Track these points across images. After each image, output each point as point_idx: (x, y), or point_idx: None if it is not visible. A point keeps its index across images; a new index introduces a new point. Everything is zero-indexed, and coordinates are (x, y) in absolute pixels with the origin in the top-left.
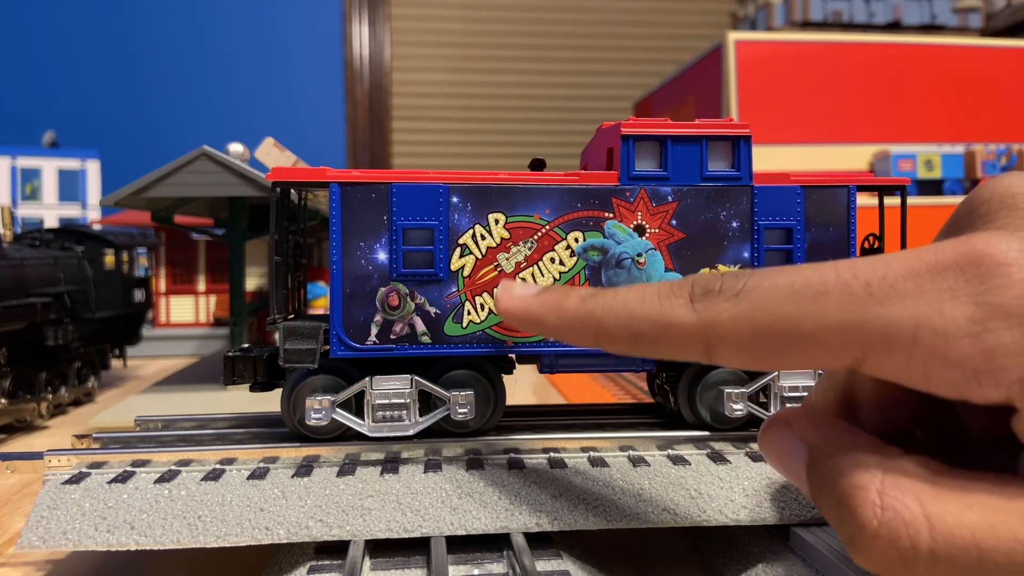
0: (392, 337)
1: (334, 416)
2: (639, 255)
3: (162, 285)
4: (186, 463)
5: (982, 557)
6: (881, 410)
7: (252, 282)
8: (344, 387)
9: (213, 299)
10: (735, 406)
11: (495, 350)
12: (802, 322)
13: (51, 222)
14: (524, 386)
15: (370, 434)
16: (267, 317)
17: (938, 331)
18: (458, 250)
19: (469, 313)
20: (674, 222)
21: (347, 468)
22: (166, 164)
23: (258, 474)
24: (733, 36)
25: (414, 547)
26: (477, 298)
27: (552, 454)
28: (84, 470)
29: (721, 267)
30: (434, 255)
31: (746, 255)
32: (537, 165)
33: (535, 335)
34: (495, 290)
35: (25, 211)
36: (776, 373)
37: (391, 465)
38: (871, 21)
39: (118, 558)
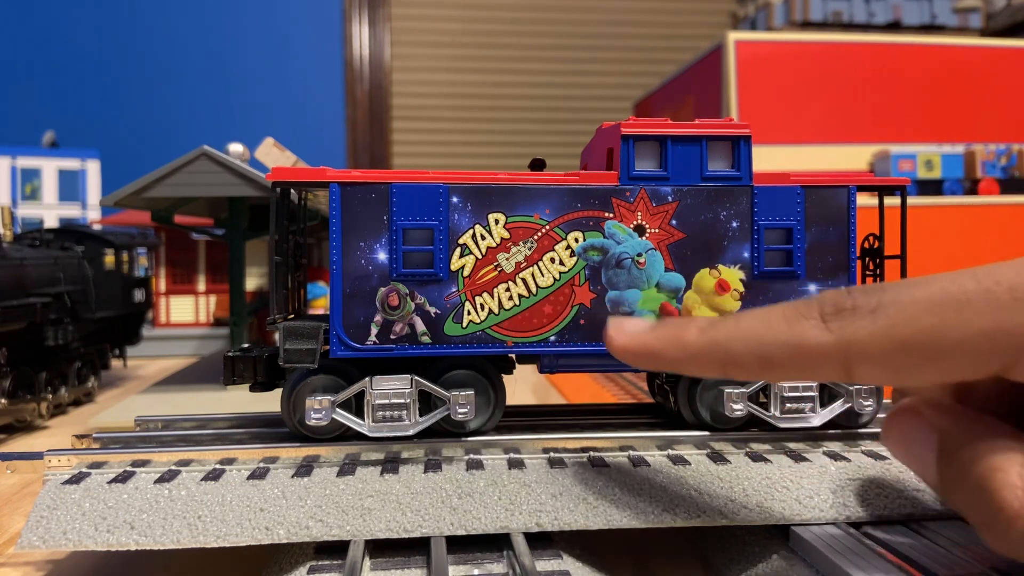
0: (392, 337)
1: (334, 416)
2: (639, 255)
3: (162, 285)
4: (186, 463)
5: None
6: (995, 400)
7: (252, 282)
8: (344, 387)
9: (213, 299)
10: (735, 406)
11: (495, 350)
12: (947, 333)
13: (51, 222)
14: (524, 386)
15: (370, 434)
16: (267, 317)
17: None
18: (458, 250)
19: (469, 313)
20: (674, 222)
21: (347, 468)
22: (166, 164)
23: (258, 474)
24: (733, 36)
25: (414, 547)
26: (477, 298)
27: (552, 454)
28: (84, 470)
29: (721, 267)
30: (434, 255)
31: (746, 255)
32: (537, 165)
33: (650, 369)
34: (607, 327)
35: (25, 211)
36: None
37: (391, 465)
38: (871, 21)
39: (118, 558)
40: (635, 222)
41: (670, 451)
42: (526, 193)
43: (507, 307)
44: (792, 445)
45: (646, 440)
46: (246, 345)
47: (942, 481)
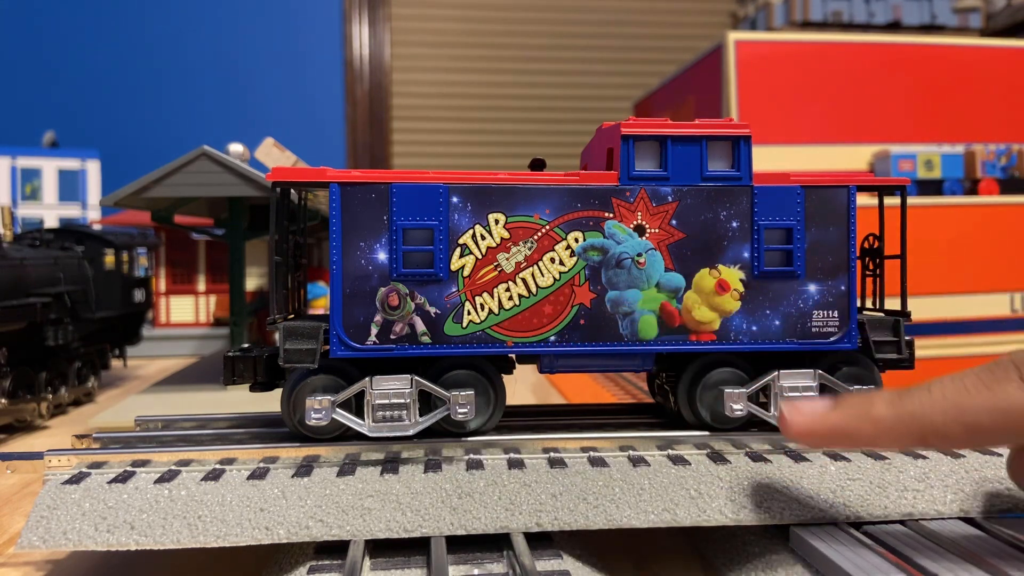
0: (392, 337)
1: (334, 416)
2: (639, 255)
3: (162, 285)
4: (186, 463)
5: None
6: None
7: (252, 282)
8: (344, 387)
9: (213, 299)
10: (735, 406)
11: (495, 350)
12: None
13: (51, 222)
14: (524, 386)
15: (370, 434)
16: (267, 317)
17: None
18: (458, 250)
19: (469, 313)
20: (674, 222)
21: (347, 468)
22: (166, 164)
23: (258, 474)
24: (733, 36)
25: (414, 547)
26: (477, 298)
27: (552, 454)
28: (84, 470)
29: (721, 267)
30: (434, 255)
31: (746, 255)
32: (537, 165)
33: (835, 448)
34: (781, 412)
35: (25, 211)
36: (776, 373)
37: (391, 465)
38: (871, 21)
39: (118, 558)
40: (635, 222)
41: (670, 451)
42: (526, 193)
43: (507, 307)
44: (792, 445)
45: (646, 440)
46: (246, 345)
47: None
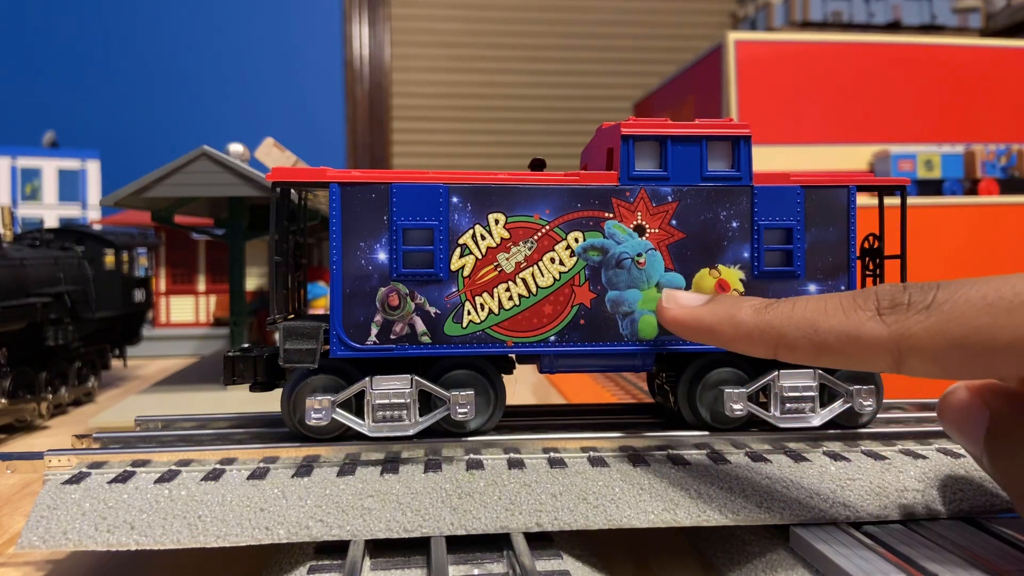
0: (392, 337)
1: (334, 416)
2: (639, 255)
3: (162, 285)
4: (186, 463)
5: None
6: None
7: (252, 282)
8: (344, 387)
9: (213, 299)
10: (735, 406)
11: (495, 350)
12: (998, 334)
13: (51, 222)
14: (524, 386)
15: (370, 434)
16: (267, 317)
17: None
18: (458, 250)
19: (469, 313)
20: (674, 222)
21: (347, 468)
22: (166, 164)
23: (258, 474)
24: (733, 36)
25: (414, 547)
26: (477, 298)
27: (552, 454)
28: (84, 470)
29: (721, 267)
30: (434, 255)
31: (746, 255)
32: (537, 165)
33: (699, 343)
34: (661, 298)
35: (25, 211)
36: (776, 373)
37: (391, 465)
38: (871, 21)
39: (118, 558)
40: (635, 222)
41: (670, 451)
42: (526, 193)
43: (507, 307)
44: (792, 445)
45: (646, 440)
46: (246, 345)
47: (990, 456)
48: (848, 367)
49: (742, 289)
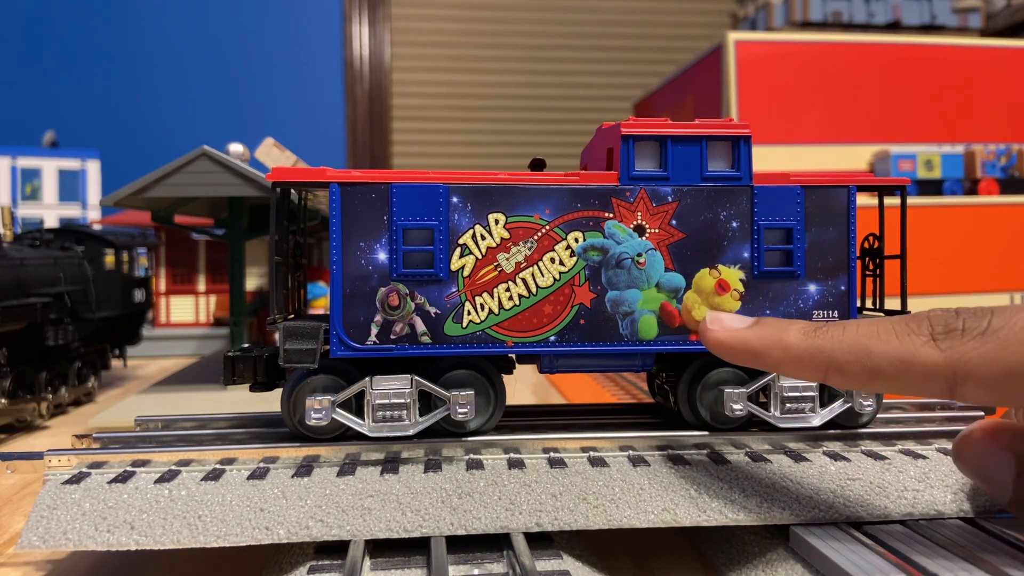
0: (392, 337)
1: (334, 416)
2: (639, 255)
3: (162, 285)
4: (186, 463)
5: None
6: None
7: (252, 282)
8: (344, 387)
9: (213, 299)
10: (735, 406)
11: (495, 350)
12: None
13: (51, 222)
14: (524, 386)
15: (370, 434)
16: (267, 317)
17: None
18: (458, 250)
19: (469, 313)
20: (674, 222)
21: (347, 468)
22: (166, 164)
23: (258, 474)
24: (733, 36)
25: (414, 547)
26: (477, 298)
27: (552, 454)
28: (84, 470)
29: (721, 267)
30: (434, 255)
31: (746, 255)
32: (537, 165)
33: (745, 364)
34: (704, 320)
35: (25, 211)
36: (776, 373)
37: (391, 465)
38: (871, 21)
39: (118, 558)
40: (635, 222)
41: (670, 451)
42: (526, 193)
43: (507, 307)
44: (792, 445)
45: (646, 440)
46: (246, 345)
47: (1018, 499)
48: (900, 392)
49: (742, 289)
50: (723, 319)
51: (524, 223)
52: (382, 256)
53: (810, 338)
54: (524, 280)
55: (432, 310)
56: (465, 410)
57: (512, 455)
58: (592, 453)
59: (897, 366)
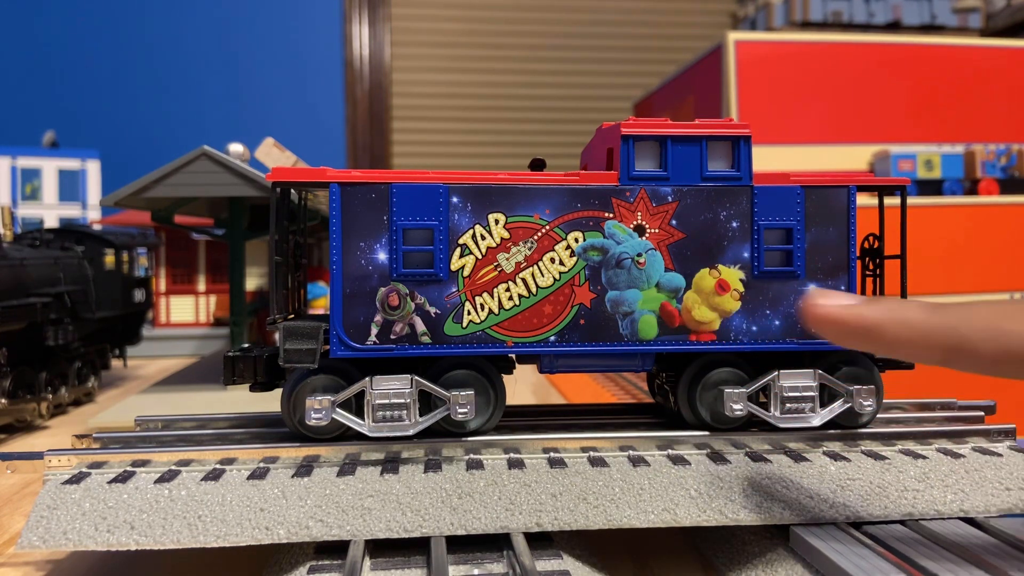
0: (392, 337)
1: (334, 416)
2: (639, 255)
3: (162, 285)
4: (186, 463)
5: None
6: None
7: (252, 282)
8: (344, 387)
9: (213, 299)
10: (735, 406)
11: (495, 350)
12: None
13: (51, 222)
14: (524, 386)
15: (370, 434)
16: (267, 317)
17: None
18: (458, 250)
19: (469, 313)
20: (674, 222)
21: (347, 468)
22: (166, 164)
23: (258, 474)
24: (733, 36)
25: (414, 547)
26: (477, 298)
27: (552, 454)
28: (84, 470)
29: (721, 267)
30: (434, 255)
31: (746, 255)
32: (537, 165)
33: (855, 347)
34: (809, 296)
35: (25, 211)
36: (776, 373)
37: (391, 465)
38: (871, 21)
39: (118, 558)
40: (635, 222)
41: (670, 451)
42: (526, 193)
43: (507, 307)
44: (792, 445)
45: (646, 440)
46: (246, 345)
47: None
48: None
49: (742, 289)
50: (832, 294)
51: (524, 223)
52: (382, 256)
53: (936, 315)
54: (524, 280)
55: (432, 310)
56: (465, 410)
57: (512, 455)
58: (592, 453)
59: None
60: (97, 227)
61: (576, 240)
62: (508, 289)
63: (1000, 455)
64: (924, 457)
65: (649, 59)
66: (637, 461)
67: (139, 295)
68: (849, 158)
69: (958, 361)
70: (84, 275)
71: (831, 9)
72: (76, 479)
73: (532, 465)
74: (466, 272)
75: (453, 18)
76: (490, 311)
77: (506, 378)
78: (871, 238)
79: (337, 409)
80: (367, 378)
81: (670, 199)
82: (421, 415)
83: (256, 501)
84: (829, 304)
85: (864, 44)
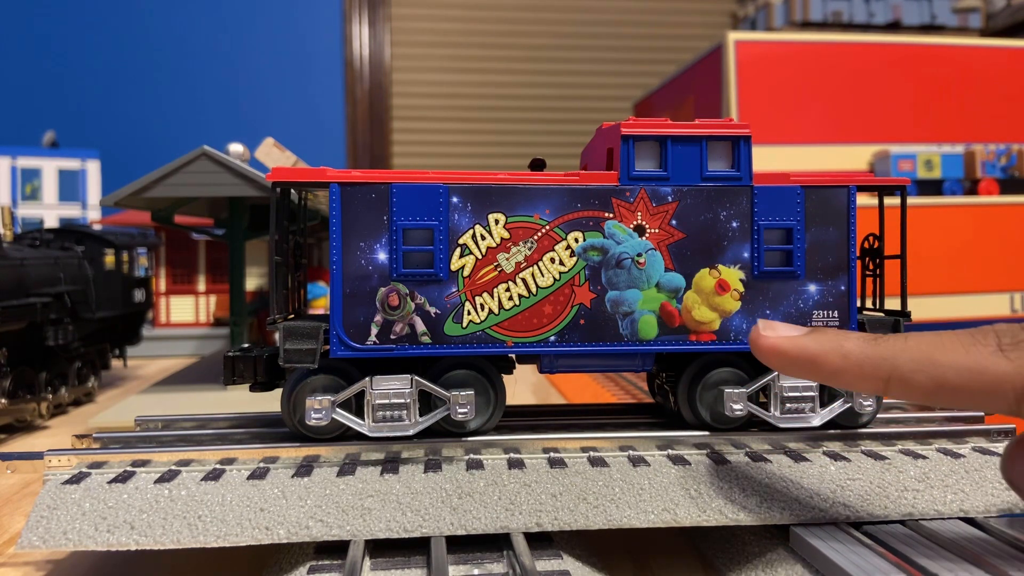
0: (392, 337)
1: (334, 416)
2: (639, 255)
3: (162, 285)
4: (186, 463)
5: None
6: None
7: (252, 282)
8: (344, 387)
9: (213, 299)
10: (735, 406)
11: (495, 350)
12: None
13: (51, 222)
14: (524, 386)
15: (370, 434)
16: (267, 317)
17: None
18: (458, 250)
19: (469, 313)
20: (674, 222)
21: (347, 468)
22: (166, 164)
23: (258, 474)
24: (733, 36)
25: (414, 547)
26: (477, 298)
27: (552, 454)
28: (84, 470)
29: (721, 267)
30: (434, 255)
31: (746, 255)
32: (537, 165)
33: (800, 376)
34: (756, 327)
35: (25, 211)
36: (776, 373)
37: (391, 465)
38: (871, 21)
39: (118, 558)
40: (635, 222)
41: (670, 451)
42: (526, 193)
43: (507, 307)
44: (792, 445)
45: (646, 440)
46: (246, 345)
47: None
48: (963, 405)
49: (742, 289)
50: (777, 326)
51: (524, 223)
52: (382, 256)
53: (872, 346)
54: (524, 280)
55: (432, 310)
56: (465, 410)
57: (512, 455)
58: (592, 453)
59: (965, 376)
60: (97, 227)
61: (576, 240)
62: (508, 289)
63: (1000, 455)
64: (924, 457)
65: (649, 59)
66: (637, 461)
67: (139, 295)
68: (849, 158)
69: (894, 391)
70: (84, 275)
71: (831, 9)
72: (76, 479)
73: (532, 465)
74: (466, 272)
75: (453, 18)
76: (490, 311)
77: (506, 378)
78: (871, 238)
79: (337, 409)
80: (367, 378)
81: (670, 199)
82: (421, 415)
83: (256, 501)
84: (772, 336)
85: (864, 44)
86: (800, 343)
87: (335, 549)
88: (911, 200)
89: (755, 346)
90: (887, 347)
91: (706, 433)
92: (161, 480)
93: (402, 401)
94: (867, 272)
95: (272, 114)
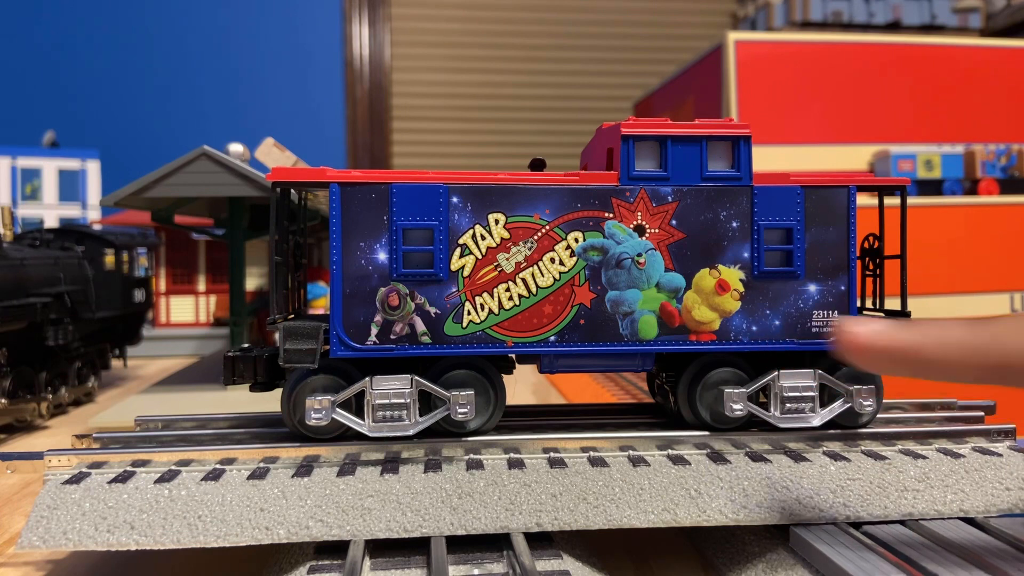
0: (392, 337)
1: (334, 416)
2: (639, 255)
3: (162, 285)
4: (186, 463)
5: None
6: None
7: (252, 282)
8: (344, 387)
9: (213, 299)
10: (735, 406)
11: (495, 350)
12: None
13: (51, 222)
14: (524, 386)
15: (370, 434)
16: (267, 317)
17: None
18: (458, 250)
19: (469, 313)
20: (674, 222)
21: (347, 468)
22: (166, 164)
23: (258, 474)
24: (733, 36)
25: (414, 547)
26: (477, 298)
27: (552, 454)
28: (84, 470)
29: (721, 267)
30: (434, 255)
31: (746, 255)
32: (537, 165)
33: (890, 373)
34: (840, 324)
35: (25, 211)
36: (776, 373)
37: (391, 465)
38: (871, 21)
39: (118, 558)
40: (635, 222)
41: (670, 451)
42: (526, 193)
43: (507, 307)
44: (792, 445)
45: (646, 440)
46: (246, 345)
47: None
48: None
49: (742, 289)
50: (863, 322)
51: (524, 223)
52: (382, 256)
53: (982, 332)
54: (524, 280)
55: (432, 310)
56: (465, 410)
57: (512, 455)
58: (592, 453)
59: None
60: (97, 227)
61: (576, 240)
62: (508, 289)
63: (1000, 455)
64: (924, 457)
65: (649, 59)
66: (637, 461)
67: (139, 295)
68: (849, 158)
69: (1011, 378)
70: (84, 275)
71: (831, 9)
72: (76, 479)
73: (532, 465)
74: (466, 272)
75: (453, 18)
76: (490, 311)
77: (506, 378)
78: (871, 238)
79: (337, 409)
80: (367, 378)
81: (670, 199)
82: (421, 415)
83: (256, 501)
84: (862, 332)
85: (864, 44)
86: (897, 338)
87: (335, 549)
88: (911, 200)
89: (845, 349)
90: (1002, 330)
91: (706, 433)
92: (161, 480)
93: (402, 401)
94: (867, 272)
95: (272, 114)
